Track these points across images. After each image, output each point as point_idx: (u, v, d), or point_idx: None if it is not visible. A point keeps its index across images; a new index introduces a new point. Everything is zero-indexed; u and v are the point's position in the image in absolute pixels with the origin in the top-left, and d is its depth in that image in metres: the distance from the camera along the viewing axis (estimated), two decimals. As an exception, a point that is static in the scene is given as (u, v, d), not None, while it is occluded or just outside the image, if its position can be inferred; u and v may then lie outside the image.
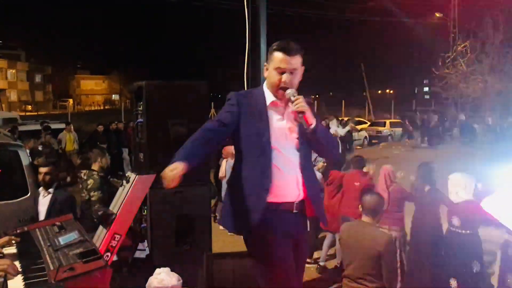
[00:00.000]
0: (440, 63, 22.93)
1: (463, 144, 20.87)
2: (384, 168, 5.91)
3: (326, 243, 6.55)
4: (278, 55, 2.77)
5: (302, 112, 2.68)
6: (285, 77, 2.76)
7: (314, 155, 6.80)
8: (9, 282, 2.46)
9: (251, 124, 2.80)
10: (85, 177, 5.80)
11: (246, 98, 2.87)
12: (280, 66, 2.77)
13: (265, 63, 2.92)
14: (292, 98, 2.72)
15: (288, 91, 2.76)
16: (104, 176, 5.88)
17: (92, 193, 5.60)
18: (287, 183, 2.80)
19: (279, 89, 2.79)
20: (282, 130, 2.83)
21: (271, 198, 2.75)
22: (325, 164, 6.74)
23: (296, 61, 2.79)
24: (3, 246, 2.99)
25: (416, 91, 72.78)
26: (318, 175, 6.52)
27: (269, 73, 2.85)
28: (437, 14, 31.17)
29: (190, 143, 2.66)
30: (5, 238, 3.04)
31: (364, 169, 6.22)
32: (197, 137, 2.67)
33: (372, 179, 6.30)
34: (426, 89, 72.55)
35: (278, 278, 2.76)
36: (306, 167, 2.87)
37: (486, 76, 22.11)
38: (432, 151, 20.62)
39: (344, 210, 6.15)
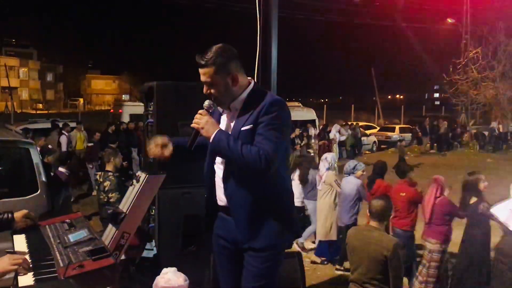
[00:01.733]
0: (451, 69, 22.80)
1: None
2: (436, 179, 5.68)
3: None
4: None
5: (195, 130, 2.74)
6: (204, 88, 2.78)
7: (354, 163, 6.77)
8: (19, 278, 2.50)
9: None
10: (101, 179, 5.82)
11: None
12: (201, 79, 2.77)
13: None
14: (199, 111, 2.74)
15: (206, 102, 2.78)
16: (119, 176, 5.91)
17: (110, 195, 5.62)
18: (219, 185, 2.91)
19: (211, 98, 2.80)
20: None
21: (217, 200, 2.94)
22: (364, 172, 6.64)
23: (210, 73, 2.71)
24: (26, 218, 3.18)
25: (426, 97, 72.47)
26: (358, 182, 6.48)
27: None
28: (449, 20, 31.04)
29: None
30: (24, 211, 3.16)
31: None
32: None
33: (418, 189, 6.15)
34: (436, 95, 72.27)
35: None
36: (232, 168, 2.81)
37: (497, 82, 21.96)
38: (441, 158, 20.55)
39: (392, 222, 6.00)
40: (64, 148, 12.45)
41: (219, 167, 2.90)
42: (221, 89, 2.73)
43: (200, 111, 2.72)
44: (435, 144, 23.31)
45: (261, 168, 2.59)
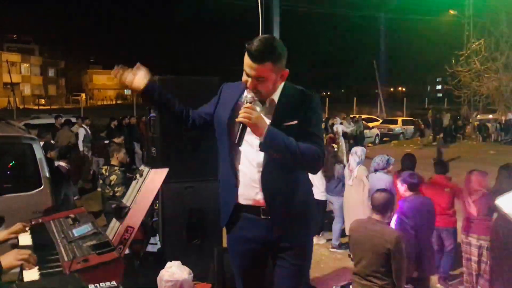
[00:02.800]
0: (453, 61, 22.71)
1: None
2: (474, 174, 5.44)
3: None
4: (246, 58, 2.47)
5: (243, 125, 2.42)
6: (249, 82, 2.50)
7: (385, 157, 6.36)
8: (24, 272, 2.51)
9: (219, 114, 2.71)
10: (106, 173, 5.85)
11: (229, 88, 2.76)
12: (246, 70, 2.50)
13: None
14: (244, 104, 2.47)
15: (248, 95, 2.51)
16: (125, 171, 5.93)
17: (116, 189, 5.66)
18: (249, 184, 2.63)
19: (247, 88, 2.55)
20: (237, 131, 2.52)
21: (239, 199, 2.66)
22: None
23: (265, 69, 2.45)
24: (17, 233, 3.04)
25: (428, 89, 72.25)
26: (389, 179, 6.16)
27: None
28: (452, 12, 30.88)
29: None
30: (19, 225, 3.09)
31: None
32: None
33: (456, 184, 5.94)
34: (438, 87, 72.03)
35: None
36: (270, 167, 2.58)
37: (500, 74, 21.87)
38: (444, 150, 20.53)
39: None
40: (81, 139, 12.55)
41: (247, 165, 2.63)
42: (270, 85, 2.53)
43: (248, 105, 2.43)
44: (438, 136, 23.28)
45: (318, 166, 2.54)
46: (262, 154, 2.56)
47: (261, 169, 2.59)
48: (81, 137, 12.66)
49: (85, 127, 13.25)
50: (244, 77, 2.52)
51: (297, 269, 2.74)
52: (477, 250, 5.32)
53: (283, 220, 2.64)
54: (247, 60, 2.46)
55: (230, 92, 2.72)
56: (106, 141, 12.21)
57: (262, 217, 2.63)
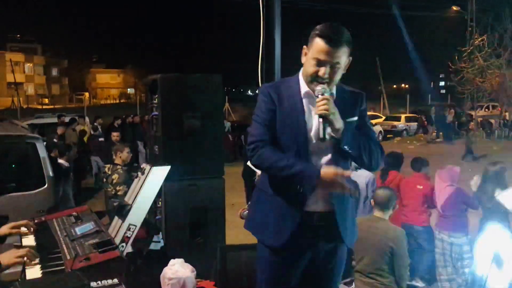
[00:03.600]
0: (456, 57, 22.63)
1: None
2: (446, 168, 5.45)
3: None
4: (319, 43, 2.30)
5: (323, 117, 2.27)
6: (323, 70, 2.32)
7: None
8: (27, 270, 2.52)
9: (285, 119, 2.42)
10: (109, 172, 5.87)
11: (278, 89, 2.47)
12: (318, 58, 2.32)
13: (304, 46, 2.42)
14: (319, 97, 2.30)
15: (319, 87, 2.33)
16: (127, 170, 5.95)
17: (118, 188, 5.68)
18: (318, 192, 2.40)
19: (313, 80, 2.37)
20: (317, 126, 2.36)
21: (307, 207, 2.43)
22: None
23: (342, 54, 2.32)
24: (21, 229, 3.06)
25: (432, 86, 72.06)
26: (369, 175, 5.84)
27: (306, 61, 2.41)
28: (454, 8, 30.77)
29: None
30: (23, 221, 3.12)
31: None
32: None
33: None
34: (442, 83, 71.83)
35: None
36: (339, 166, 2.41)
37: (503, 70, 21.79)
38: (447, 146, 20.47)
39: (406, 218, 5.67)
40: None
41: (318, 166, 2.40)
42: (341, 74, 2.40)
43: (325, 96, 2.28)
44: (441, 133, 23.22)
45: (380, 163, 2.49)
46: (330, 153, 2.42)
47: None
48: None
49: (97, 125, 13.35)
50: (313, 68, 2.35)
51: (342, 269, 2.75)
52: (449, 247, 5.28)
53: (350, 222, 2.59)
54: (320, 46, 2.30)
55: (284, 90, 2.48)
56: (101, 139, 12.29)
57: (326, 223, 2.48)
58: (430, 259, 5.55)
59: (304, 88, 2.45)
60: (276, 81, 2.65)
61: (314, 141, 2.41)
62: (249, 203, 4.93)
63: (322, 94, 2.30)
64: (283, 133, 2.43)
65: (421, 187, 5.67)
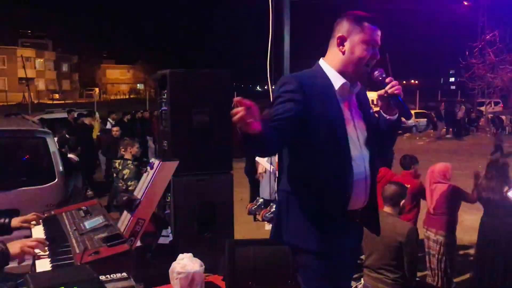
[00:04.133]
0: (467, 53, 22.43)
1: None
2: (439, 165, 5.39)
3: None
4: (371, 28, 2.28)
5: (396, 96, 2.27)
6: (377, 52, 2.32)
7: None
8: (37, 263, 2.55)
9: (321, 112, 2.25)
10: (120, 167, 5.91)
11: (309, 80, 2.29)
12: (376, 40, 2.29)
13: (340, 34, 2.31)
14: (388, 79, 2.30)
15: (377, 72, 2.34)
16: (138, 165, 6.00)
17: (129, 183, 5.72)
18: (362, 183, 2.35)
19: (368, 65, 2.31)
20: (350, 121, 2.33)
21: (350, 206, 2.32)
22: None
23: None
24: (30, 221, 3.11)
25: (441, 82, 71.59)
26: None
27: (351, 47, 2.29)
28: (466, 2, 30.48)
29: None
30: (33, 215, 3.17)
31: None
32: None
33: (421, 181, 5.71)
34: (452, 79, 71.33)
35: None
36: (376, 166, 2.44)
37: (515, 65, 21.58)
38: (457, 142, 20.35)
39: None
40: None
41: (360, 160, 2.34)
42: None
43: (390, 78, 2.30)
44: (451, 129, 23.08)
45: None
46: (368, 143, 2.38)
47: (368, 164, 2.37)
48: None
49: (111, 121, 13.43)
50: (366, 52, 2.27)
51: None
52: (435, 245, 5.21)
53: (377, 220, 2.54)
54: (373, 29, 2.28)
55: (316, 83, 2.32)
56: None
57: (367, 219, 2.46)
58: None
59: (337, 81, 2.32)
60: (301, 72, 2.37)
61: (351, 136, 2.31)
62: (271, 211, 4.91)
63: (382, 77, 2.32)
64: (318, 129, 2.24)
65: (408, 185, 5.46)
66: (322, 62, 2.39)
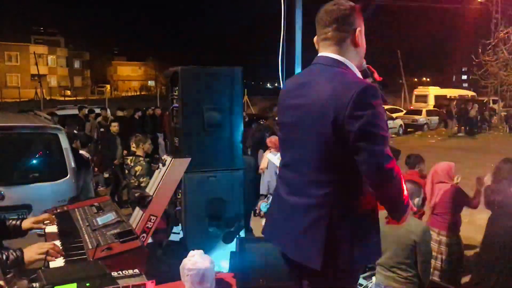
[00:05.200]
0: (480, 50, 22.19)
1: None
2: (442, 164, 5.30)
3: None
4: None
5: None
6: None
7: None
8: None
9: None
10: (132, 164, 5.94)
11: None
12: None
13: (354, 28, 2.19)
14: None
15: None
16: (150, 161, 6.02)
17: (141, 179, 5.75)
18: None
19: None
20: None
21: None
22: None
23: None
24: (44, 223, 3.10)
25: (453, 79, 70.99)
26: None
27: (362, 40, 2.22)
28: (479, -1, 30.16)
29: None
30: (46, 215, 3.16)
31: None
32: None
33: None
34: (464, 77, 70.69)
35: None
36: None
37: (529, 63, 21.33)
38: (469, 140, 20.17)
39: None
40: None
41: None
42: None
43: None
44: (463, 127, 22.89)
45: None
46: None
47: None
48: None
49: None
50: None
51: None
52: (436, 246, 5.09)
53: None
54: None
55: None
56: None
57: None
58: None
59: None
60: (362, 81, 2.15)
61: None
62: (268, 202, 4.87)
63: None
64: None
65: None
66: (346, 61, 2.19)
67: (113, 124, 10.18)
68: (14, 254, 2.43)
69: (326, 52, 2.21)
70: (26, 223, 2.97)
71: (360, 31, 2.21)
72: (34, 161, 5.78)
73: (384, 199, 2.18)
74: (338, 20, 2.16)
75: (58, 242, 2.76)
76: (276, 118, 2.47)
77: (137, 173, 5.80)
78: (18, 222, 2.95)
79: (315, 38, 2.30)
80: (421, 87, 35.37)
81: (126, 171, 6.12)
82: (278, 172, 2.50)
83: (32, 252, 2.49)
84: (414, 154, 5.84)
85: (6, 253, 2.41)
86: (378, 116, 1.98)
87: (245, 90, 25.62)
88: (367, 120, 1.94)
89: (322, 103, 2.03)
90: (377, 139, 1.97)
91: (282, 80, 4.29)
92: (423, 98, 30.05)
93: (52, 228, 3.07)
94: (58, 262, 2.52)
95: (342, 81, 2.05)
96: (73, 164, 5.60)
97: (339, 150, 2.03)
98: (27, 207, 5.02)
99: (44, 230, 3.07)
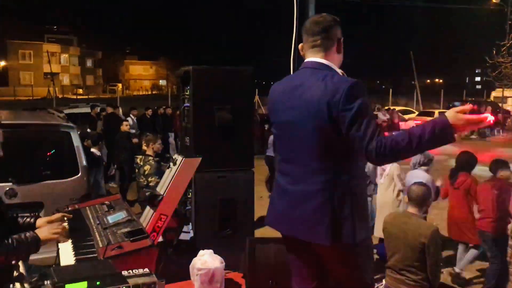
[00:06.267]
0: (494, 52, 21.98)
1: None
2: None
3: (458, 251, 5.78)
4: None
5: None
6: None
7: (426, 154, 5.61)
8: (61, 256, 2.58)
9: None
10: (141, 163, 5.95)
11: None
12: None
13: (338, 37, 2.53)
14: None
15: None
16: (159, 160, 6.02)
17: (150, 179, 5.75)
18: None
19: None
20: None
21: None
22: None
23: None
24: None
25: (467, 81, 70.41)
26: (427, 177, 5.60)
27: (342, 49, 2.58)
28: (494, 0, 29.88)
29: None
30: (58, 215, 3.18)
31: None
32: None
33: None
34: (477, 78, 70.10)
35: None
36: None
37: (544, 65, 21.10)
38: (482, 143, 19.98)
39: (481, 224, 5.25)
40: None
41: None
42: None
43: None
44: (476, 130, 22.67)
45: None
46: None
47: None
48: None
49: (132, 117, 13.51)
50: None
51: None
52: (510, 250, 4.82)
53: None
54: None
55: None
56: (133, 130, 12.42)
57: None
58: (495, 268, 5.16)
59: None
60: (348, 78, 2.46)
61: None
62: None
63: None
64: None
65: (497, 192, 5.18)
66: (332, 65, 2.50)
67: (125, 123, 10.24)
68: (30, 234, 2.54)
69: (314, 57, 2.52)
70: (39, 222, 3.01)
71: (342, 40, 2.54)
72: (46, 159, 5.81)
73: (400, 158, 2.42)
74: (326, 30, 2.48)
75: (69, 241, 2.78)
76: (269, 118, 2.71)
77: (146, 172, 5.81)
78: (32, 220, 3.00)
79: (300, 45, 2.63)
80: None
81: (136, 170, 6.14)
82: (276, 166, 2.70)
83: (45, 231, 2.60)
84: (500, 159, 5.61)
85: (23, 235, 2.52)
86: (366, 105, 2.30)
87: (256, 90, 25.63)
88: (356, 112, 2.25)
89: (317, 101, 2.33)
90: (369, 124, 2.26)
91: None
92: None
93: (64, 226, 3.08)
94: (69, 259, 2.54)
95: (332, 80, 2.35)
96: (84, 162, 5.62)
97: (335, 141, 2.33)
98: (39, 205, 5.05)
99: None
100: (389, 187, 6.09)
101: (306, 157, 2.42)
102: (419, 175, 5.63)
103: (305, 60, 2.56)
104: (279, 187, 2.58)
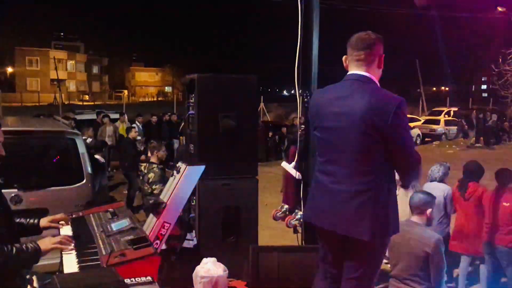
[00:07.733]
0: (500, 60, 21.92)
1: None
2: None
3: (462, 266, 5.62)
4: None
5: None
6: None
7: (442, 166, 5.54)
8: (64, 264, 2.59)
9: None
10: (145, 171, 5.96)
11: None
12: None
13: (380, 53, 2.80)
14: None
15: None
16: (163, 168, 6.03)
17: (154, 186, 5.75)
18: None
19: None
20: None
21: None
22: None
23: None
24: (59, 222, 3.18)
25: (473, 89, 70.24)
26: (447, 189, 5.54)
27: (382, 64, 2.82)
28: (500, 8, 29.82)
29: None
30: (61, 215, 3.23)
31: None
32: None
33: None
34: (483, 87, 69.87)
35: None
36: None
37: (550, 74, 21.01)
38: (488, 152, 19.85)
39: (490, 236, 5.17)
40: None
41: None
42: None
43: None
44: (482, 138, 22.53)
45: None
46: None
47: None
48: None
49: (138, 124, 13.56)
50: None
51: None
52: None
53: None
54: None
55: None
56: (139, 137, 12.45)
57: None
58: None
59: None
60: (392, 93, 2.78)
61: None
62: (295, 218, 4.84)
63: None
64: None
65: (508, 203, 5.09)
66: (374, 78, 2.76)
67: (133, 130, 10.31)
68: (32, 245, 2.62)
69: (358, 70, 2.75)
70: (43, 222, 3.10)
71: (383, 57, 2.78)
72: (51, 165, 5.83)
73: (407, 174, 2.92)
74: (370, 47, 2.73)
75: (72, 246, 2.79)
76: (314, 123, 2.99)
77: (150, 180, 5.81)
78: (35, 221, 3.08)
79: (344, 57, 2.85)
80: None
81: (140, 177, 6.15)
82: (317, 166, 2.94)
83: (46, 242, 2.69)
84: (507, 169, 5.54)
85: (25, 245, 2.60)
86: (407, 122, 2.81)
87: (261, 97, 25.66)
88: (402, 126, 2.67)
89: (363, 111, 2.59)
90: (408, 138, 2.77)
91: (298, 87, 4.29)
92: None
93: (67, 230, 3.11)
94: (72, 267, 2.54)
95: (378, 94, 2.66)
96: (89, 169, 5.65)
97: (377, 146, 2.62)
98: (44, 211, 5.07)
99: (59, 231, 3.12)
100: (405, 198, 5.99)
101: (350, 159, 2.68)
102: (437, 186, 5.48)
103: (348, 73, 2.80)
104: (322, 186, 2.82)
